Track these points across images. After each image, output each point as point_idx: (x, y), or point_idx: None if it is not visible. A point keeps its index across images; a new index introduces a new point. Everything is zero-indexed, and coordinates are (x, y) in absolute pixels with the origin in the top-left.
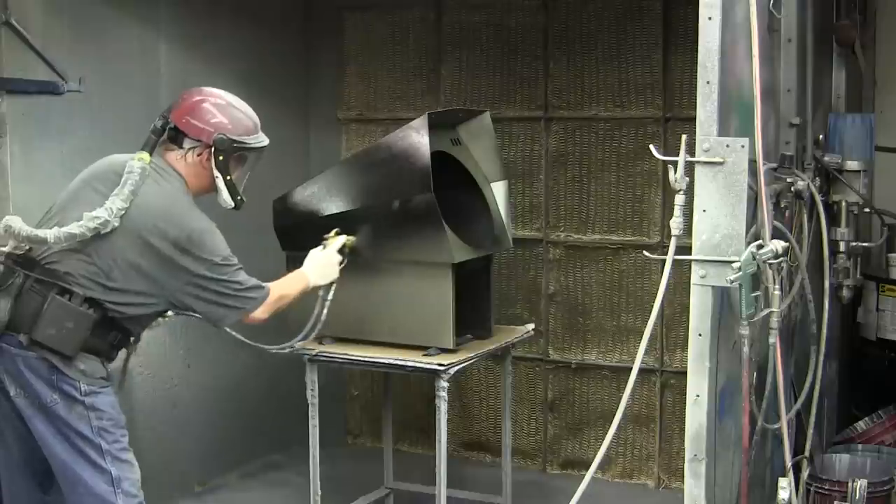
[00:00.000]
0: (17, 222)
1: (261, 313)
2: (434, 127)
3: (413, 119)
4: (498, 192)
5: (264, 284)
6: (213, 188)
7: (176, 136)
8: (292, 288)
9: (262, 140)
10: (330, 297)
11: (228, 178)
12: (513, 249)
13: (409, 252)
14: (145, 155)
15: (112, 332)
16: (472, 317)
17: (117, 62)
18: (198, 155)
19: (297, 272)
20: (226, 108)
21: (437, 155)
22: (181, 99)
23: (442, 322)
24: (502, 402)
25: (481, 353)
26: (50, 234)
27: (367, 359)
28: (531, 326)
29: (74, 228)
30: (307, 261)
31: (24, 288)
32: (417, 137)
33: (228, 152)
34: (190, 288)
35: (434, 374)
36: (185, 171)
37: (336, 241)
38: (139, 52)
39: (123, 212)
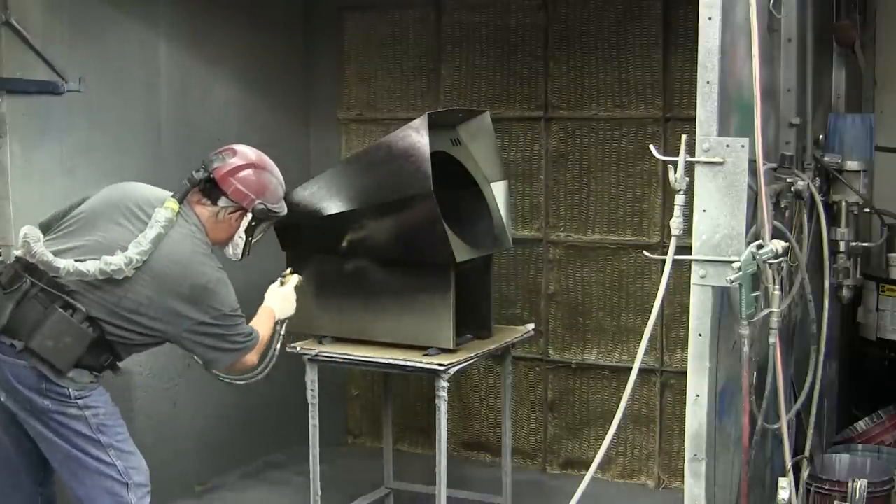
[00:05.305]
0: (35, 241)
1: (252, 357)
2: (434, 127)
3: (413, 119)
4: (498, 192)
5: (253, 329)
6: (227, 242)
7: (211, 192)
8: (267, 325)
9: (284, 208)
10: (283, 331)
11: (250, 239)
12: (513, 249)
13: (409, 252)
14: (175, 204)
15: (104, 354)
16: (472, 317)
17: (117, 62)
18: (229, 213)
19: (264, 308)
20: (267, 177)
21: (437, 155)
22: (225, 158)
23: (442, 322)
24: (502, 402)
25: (481, 353)
26: (62, 265)
27: (367, 359)
28: (531, 326)
29: (89, 266)
30: (269, 296)
31: (28, 294)
32: (417, 137)
33: (261, 219)
34: (191, 335)
35: (434, 374)
36: (210, 224)
37: (293, 279)
38: (139, 52)
39: (140, 263)
